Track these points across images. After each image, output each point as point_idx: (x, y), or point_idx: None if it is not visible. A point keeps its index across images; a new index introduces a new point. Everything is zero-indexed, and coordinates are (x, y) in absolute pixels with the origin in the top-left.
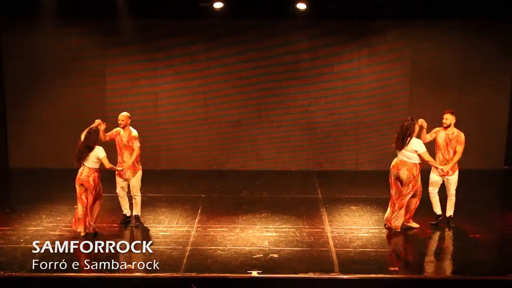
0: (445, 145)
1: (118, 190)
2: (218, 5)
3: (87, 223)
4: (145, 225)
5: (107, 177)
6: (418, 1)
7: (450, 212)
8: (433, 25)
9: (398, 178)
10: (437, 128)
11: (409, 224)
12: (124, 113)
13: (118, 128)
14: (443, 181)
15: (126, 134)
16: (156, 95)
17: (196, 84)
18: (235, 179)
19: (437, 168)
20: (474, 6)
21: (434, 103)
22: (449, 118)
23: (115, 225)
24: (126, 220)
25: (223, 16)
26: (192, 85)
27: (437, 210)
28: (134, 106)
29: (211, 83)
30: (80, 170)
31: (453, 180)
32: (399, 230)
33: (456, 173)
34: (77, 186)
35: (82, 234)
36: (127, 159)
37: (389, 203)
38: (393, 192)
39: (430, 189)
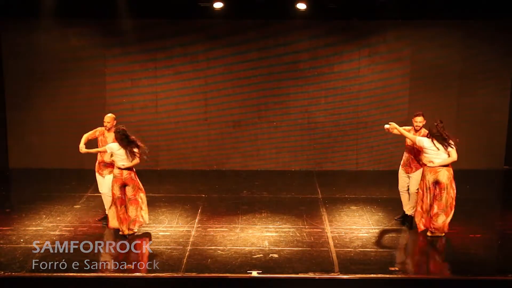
0: (412, 144)
1: (101, 189)
2: (218, 5)
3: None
4: (145, 225)
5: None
6: (418, 1)
7: (411, 211)
8: (433, 25)
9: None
10: (408, 128)
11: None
12: (110, 115)
13: (101, 128)
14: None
15: (111, 135)
16: (156, 95)
17: (196, 84)
18: (235, 179)
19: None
20: (473, 6)
21: (434, 103)
22: (422, 121)
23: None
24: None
25: (223, 16)
26: (192, 85)
27: (406, 208)
28: (134, 106)
29: (211, 83)
30: (118, 172)
31: (416, 178)
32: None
33: (420, 170)
34: (118, 189)
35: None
36: (107, 158)
37: (425, 210)
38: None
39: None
